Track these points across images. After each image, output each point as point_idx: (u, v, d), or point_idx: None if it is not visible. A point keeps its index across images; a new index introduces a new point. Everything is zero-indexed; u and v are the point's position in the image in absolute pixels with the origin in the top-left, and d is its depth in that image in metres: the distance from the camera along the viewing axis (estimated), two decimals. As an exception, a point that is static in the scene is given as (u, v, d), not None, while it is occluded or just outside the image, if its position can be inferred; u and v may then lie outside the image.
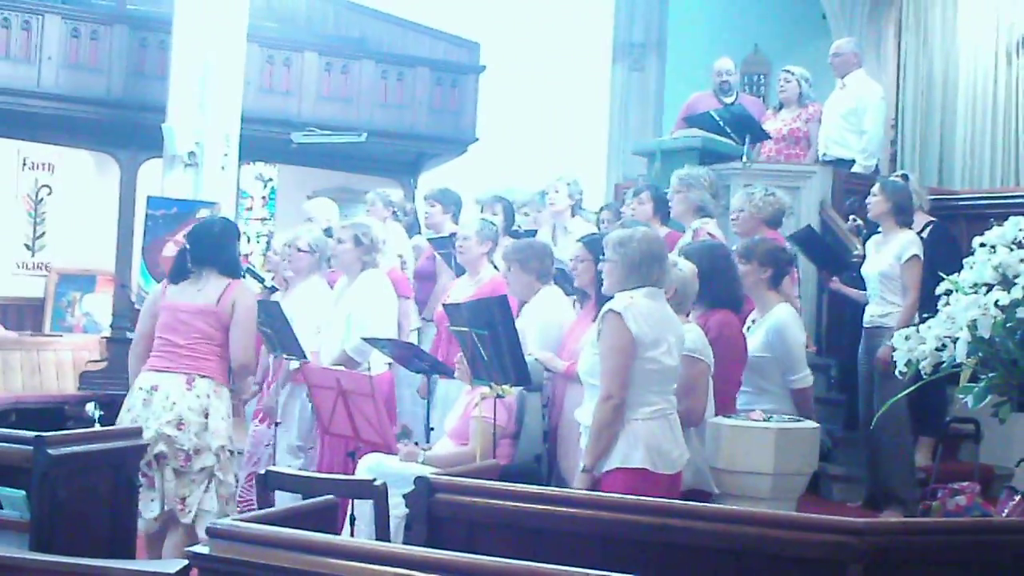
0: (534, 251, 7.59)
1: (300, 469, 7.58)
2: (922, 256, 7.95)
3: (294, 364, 7.95)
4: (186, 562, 3.86)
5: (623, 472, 5.44)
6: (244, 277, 7.21)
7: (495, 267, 8.21)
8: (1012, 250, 5.73)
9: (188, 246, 7.02)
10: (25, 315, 16.81)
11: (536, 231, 9.58)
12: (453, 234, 8.98)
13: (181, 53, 12.40)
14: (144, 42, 15.56)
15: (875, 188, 8.30)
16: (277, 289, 8.74)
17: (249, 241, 19.65)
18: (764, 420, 6.27)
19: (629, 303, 5.52)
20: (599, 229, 9.16)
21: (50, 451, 5.23)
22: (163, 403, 6.62)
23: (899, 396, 6.38)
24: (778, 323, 6.96)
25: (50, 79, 15.25)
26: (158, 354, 6.83)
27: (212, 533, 3.74)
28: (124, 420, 6.71)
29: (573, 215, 9.42)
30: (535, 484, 5.67)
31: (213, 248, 6.93)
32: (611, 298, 5.71)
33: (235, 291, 6.86)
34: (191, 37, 12.29)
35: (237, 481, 7.12)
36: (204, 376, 6.74)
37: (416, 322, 9.31)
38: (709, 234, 7.84)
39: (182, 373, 6.71)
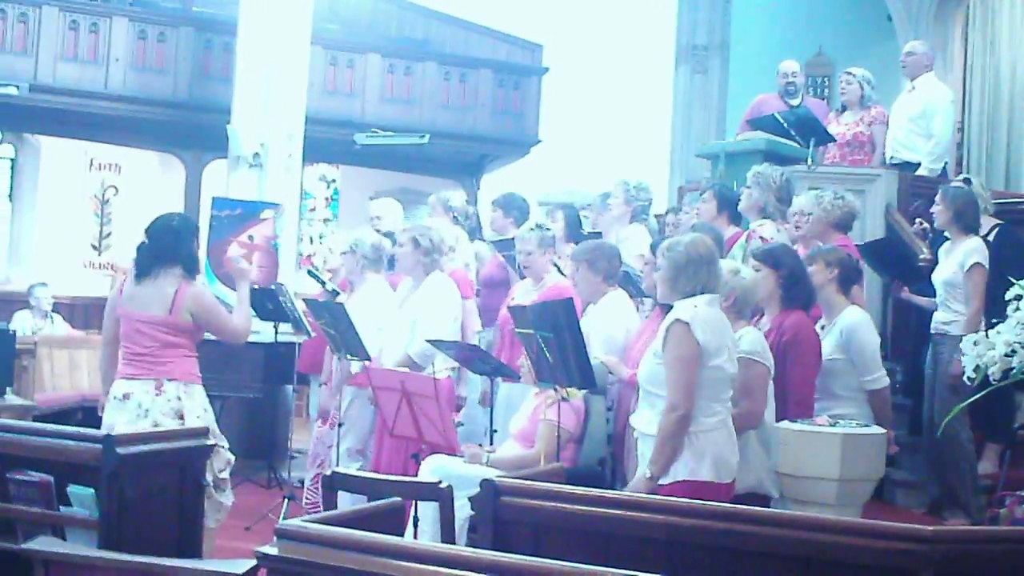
0: (603, 252, 7.58)
1: (359, 471, 7.61)
2: (986, 263, 7.87)
3: (356, 366, 7.98)
4: (255, 562, 3.88)
5: (689, 484, 5.39)
6: (198, 275, 7.04)
7: (559, 271, 8.20)
8: (1083, 254, 5.67)
9: (146, 242, 6.95)
10: (92, 314, 16.94)
11: (600, 233, 9.53)
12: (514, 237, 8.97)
13: (246, 55, 12.45)
14: (209, 44, 15.71)
15: (937, 196, 8.24)
16: (339, 292, 8.78)
17: (312, 242, 19.79)
18: (830, 425, 6.22)
19: (695, 312, 5.49)
20: (662, 232, 9.12)
21: (119, 450, 5.28)
22: (136, 411, 6.69)
23: (964, 404, 6.33)
24: (852, 324, 6.90)
25: (117, 81, 15.44)
26: (126, 361, 6.86)
27: (280, 534, 3.76)
28: (104, 426, 6.77)
29: (633, 220, 9.34)
30: (599, 487, 5.67)
31: (171, 245, 6.87)
32: (671, 305, 5.69)
33: (186, 298, 6.77)
34: (255, 39, 12.33)
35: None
36: (172, 379, 6.76)
37: (478, 325, 9.28)
38: (761, 237, 7.79)
39: (150, 379, 6.75)
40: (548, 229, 8.29)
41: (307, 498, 8.57)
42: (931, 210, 8.41)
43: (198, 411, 6.82)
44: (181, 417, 6.72)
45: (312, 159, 16.81)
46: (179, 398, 6.76)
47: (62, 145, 17.36)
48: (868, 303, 8.52)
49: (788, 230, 8.03)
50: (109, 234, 18.32)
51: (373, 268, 8.49)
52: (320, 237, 19.79)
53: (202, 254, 11.88)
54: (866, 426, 6.41)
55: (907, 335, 9.20)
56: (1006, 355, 5.73)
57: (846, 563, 3.98)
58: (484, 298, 9.46)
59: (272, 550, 3.76)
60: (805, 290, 6.77)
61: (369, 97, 16.91)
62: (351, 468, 7.85)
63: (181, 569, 4.20)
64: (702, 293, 5.59)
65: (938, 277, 8.17)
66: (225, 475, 6.86)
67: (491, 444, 7.39)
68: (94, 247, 18.42)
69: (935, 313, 8.20)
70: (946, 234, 8.34)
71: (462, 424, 8.43)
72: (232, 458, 6.96)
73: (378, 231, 9.10)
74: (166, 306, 6.73)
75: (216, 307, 6.93)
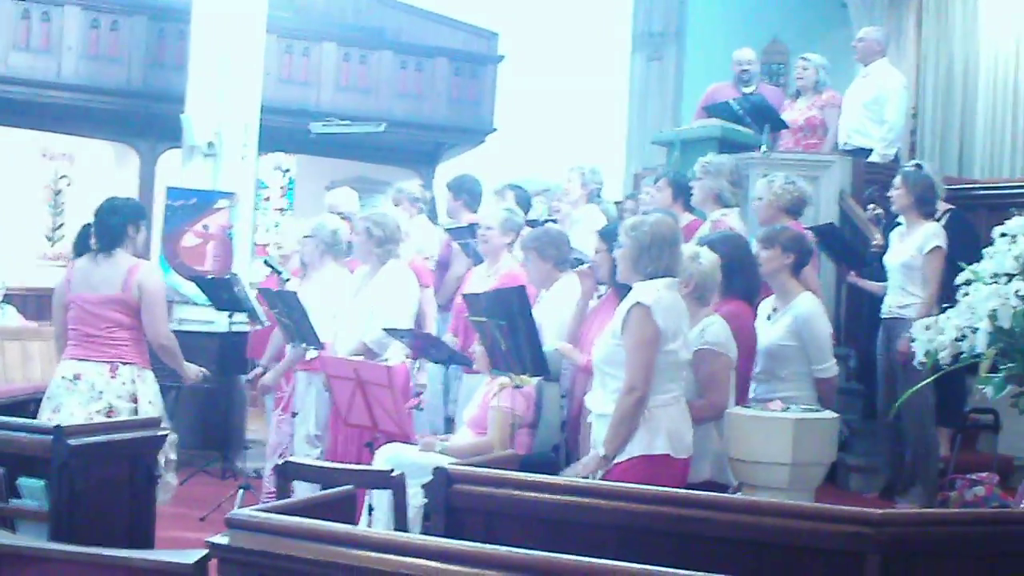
0: (551, 239, 7.59)
1: (317, 459, 7.61)
2: (945, 247, 7.92)
3: (312, 354, 7.98)
4: (205, 552, 3.87)
5: (645, 459, 5.44)
6: (117, 249, 7.04)
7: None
8: (1032, 240, 5.71)
9: (93, 224, 7.02)
10: (45, 305, 16.78)
11: (554, 220, 9.55)
12: (472, 224, 8.98)
13: (200, 43, 12.36)
14: (163, 32, 15.58)
15: (897, 180, 8.27)
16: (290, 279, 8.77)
17: (268, 231, 19.71)
18: (782, 410, 6.24)
19: (656, 296, 5.50)
20: (621, 218, 9.15)
21: (69, 441, 5.26)
22: (89, 392, 6.72)
23: (919, 385, 6.37)
24: (806, 312, 6.89)
25: (70, 70, 15.29)
26: (75, 343, 6.88)
27: (231, 524, 3.75)
28: (45, 409, 6.84)
29: (590, 203, 9.38)
30: (553, 474, 5.68)
31: (104, 220, 6.95)
32: (628, 288, 5.70)
33: (139, 273, 6.88)
34: (210, 27, 12.24)
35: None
36: (127, 363, 6.83)
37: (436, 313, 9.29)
38: (730, 227, 7.81)
39: (104, 362, 6.80)
40: (519, 215, 8.30)
41: (267, 488, 8.54)
42: (889, 194, 8.44)
43: (151, 396, 6.84)
44: (135, 401, 6.77)
45: (267, 148, 16.70)
46: (133, 381, 6.82)
47: (14, 135, 17.17)
48: (821, 288, 8.56)
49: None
50: (62, 224, 18.16)
51: (331, 254, 8.47)
52: (276, 226, 19.72)
53: (157, 243, 11.87)
54: (817, 410, 6.43)
55: (860, 321, 9.25)
56: (956, 340, 5.78)
57: (796, 546, 4.01)
58: (437, 279, 9.47)
59: (223, 540, 3.74)
60: (745, 280, 6.75)
61: (325, 86, 16.85)
62: (310, 455, 7.86)
63: (131, 560, 4.17)
64: (663, 276, 5.60)
65: (893, 261, 8.20)
66: (173, 456, 6.93)
67: (447, 432, 7.40)
68: (47, 238, 18.27)
69: (887, 297, 8.24)
70: (899, 219, 8.38)
71: (422, 410, 8.42)
72: (175, 438, 6.99)
73: (341, 216, 9.12)
74: (119, 284, 6.81)
75: (160, 296, 7.02)
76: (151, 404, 6.85)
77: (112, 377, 6.79)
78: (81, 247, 7.13)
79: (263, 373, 8.87)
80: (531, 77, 17.75)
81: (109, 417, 6.63)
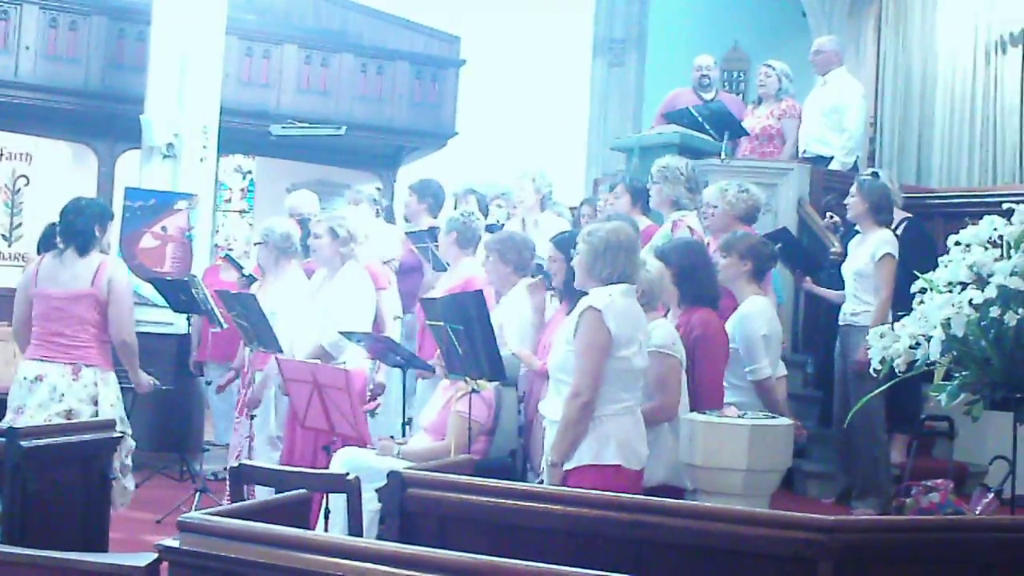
0: (514, 243, 7.59)
1: (277, 461, 7.60)
2: (896, 254, 7.97)
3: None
4: (156, 555, 3.84)
5: (594, 469, 5.43)
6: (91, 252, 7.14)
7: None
8: (986, 249, 5.75)
9: (59, 225, 7.08)
10: (2, 305, 16.73)
11: (503, 225, 9.57)
12: (431, 228, 8.97)
13: (159, 44, 12.33)
14: (122, 33, 15.51)
15: (853, 188, 8.32)
16: (255, 278, 8.74)
17: (220, 230, 19.65)
18: (738, 416, 6.26)
19: (609, 301, 5.51)
20: (580, 224, 9.15)
21: (22, 443, 5.21)
22: (50, 394, 6.74)
23: (873, 394, 6.41)
24: (744, 313, 6.95)
25: (28, 69, 15.20)
26: (39, 343, 6.91)
27: (183, 527, 3.73)
28: (8, 411, 6.83)
29: (543, 208, 9.39)
30: (510, 479, 5.69)
31: (70, 221, 7.00)
32: (584, 294, 5.71)
33: (108, 269, 6.98)
34: (170, 28, 12.21)
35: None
36: (90, 365, 6.86)
37: (399, 312, 9.26)
38: (689, 227, 7.82)
39: (67, 363, 6.83)
40: (476, 219, 8.30)
41: (224, 492, 8.50)
42: (845, 202, 8.49)
43: (112, 399, 6.85)
44: (96, 403, 6.79)
45: (228, 150, 16.70)
46: (95, 384, 6.86)
47: (-30, 135, 17.08)
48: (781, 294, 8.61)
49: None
50: (20, 224, 18.01)
51: (286, 257, 8.45)
52: (235, 229, 19.67)
53: (115, 244, 11.80)
54: (773, 417, 6.45)
55: (817, 328, 9.29)
56: (911, 347, 5.82)
57: (749, 552, 4.02)
58: (400, 283, 9.44)
59: (174, 543, 3.72)
60: (700, 287, 6.76)
61: (285, 88, 16.83)
62: (272, 457, 7.84)
63: (82, 563, 4.14)
64: (619, 281, 5.60)
65: (848, 269, 8.27)
66: (128, 461, 6.97)
67: (404, 436, 7.38)
68: (4, 238, 18.12)
69: (844, 305, 8.29)
70: (857, 227, 8.43)
71: (377, 412, 8.41)
72: (134, 444, 7.04)
73: (301, 221, 9.10)
74: (88, 279, 6.87)
75: (128, 292, 7.09)
76: (112, 407, 6.87)
77: (75, 379, 6.81)
78: (46, 245, 7.16)
79: (235, 377, 8.85)
80: (493, 81, 17.75)
81: (68, 420, 6.63)
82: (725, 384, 6.84)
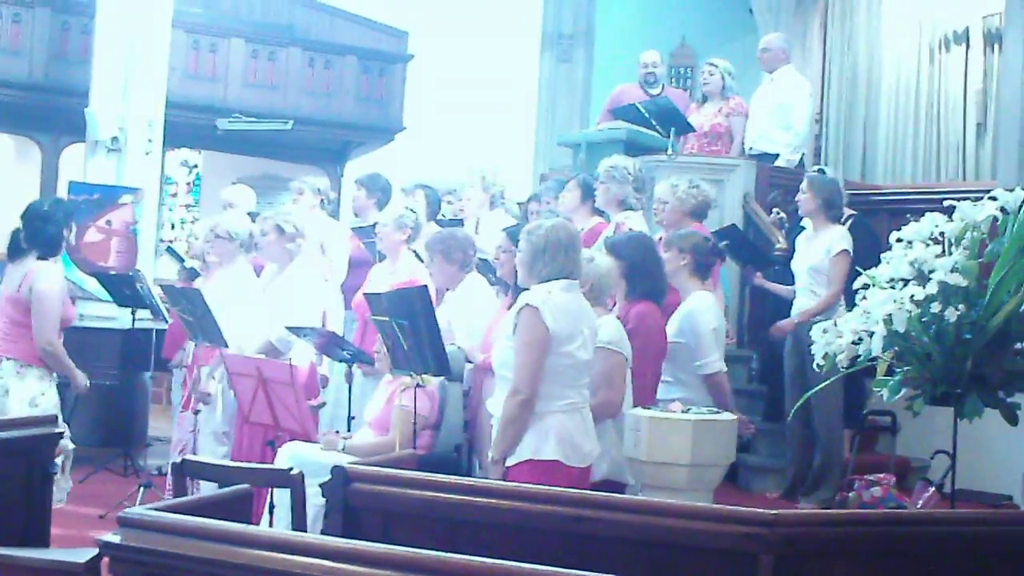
0: (457, 241, 7.61)
1: (224, 456, 7.56)
2: (851, 251, 8.02)
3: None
4: (96, 551, 3.82)
5: (532, 464, 5.43)
6: (56, 257, 7.38)
7: (418, 256, 8.21)
8: (928, 246, 5.81)
9: (23, 230, 7.23)
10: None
11: (461, 221, 9.56)
12: (376, 224, 8.96)
13: (104, 37, 12.23)
14: (67, 25, 15.33)
15: (803, 185, 8.36)
16: (199, 273, 8.68)
17: (174, 228, 19.54)
18: (683, 411, 6.29)
19: (547, 297, 5.51)
20: (527, 219, 9.16)
21: (-39, 439, 5.18)
22: None
23: (823, 385, 6.46)
24: (691, 309, 6.98)
25: (-31, 62, 15.04)
26: None
27: (123, 522, 3.70)
28: None
29: (493, 206, 9.40)
30: (455, 474, 5.67)
31: (37, 228, 7.18)
32: (526, 289, 5.71)
33: (32, 277, 7.09)
34: (114, 21, 12.11)
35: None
36: (10, 358, 7.09)
37: (341, 311, 9.23)
38: (630, 230, 7.84)
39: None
40: (413, 212, 8.30)
41: (168, 487, 8.44)
42: (796, 198, 8.52)
43: (27, 395, 7.07)
44: (6, 394, 7.03)
45: (174, 144, 16.60)
46: (10, 376, 7.10)
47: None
48: (726, 292, 8.64)
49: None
50: (-38, 218, 17.87)
51: (241, 251, 8.41)
52: (181, 223, 19.55)
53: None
54: (717, 412, 6.48)
55: (764, 323, 9.34)
56: (853, 343, 5.87)
57: (691, 547, 4.04)
58: (348, 278, 9.41)
59: (115, 538, 3.69)
60: (649, 281, 6.79)
61: (232, 82, 16.71)
62: (217, 452, 7.80)
63: (22, 559, 4.12)
64: (559, 278, 5.61)
65: (801, 265, 8.30)
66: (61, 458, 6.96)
67: (349, 431, 7.37)
68: (-54, 232, 17.97)
69: (796, 300, 8.33)
70: (803, 223, 8.48)
71: (324, 404, 8.38)
72: (70, 446, 7.09)
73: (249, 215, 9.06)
74: (16, 284, 7.06)
75: (50, 301, 7.12)
76: (23, 401, 7.03)
77: None
78: (15, 252, 7.29)
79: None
80: (440, 76, 17.72)
81: None
82: (671, 379, 6.87)
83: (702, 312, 6.98)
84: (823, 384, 6.41)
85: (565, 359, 5.50)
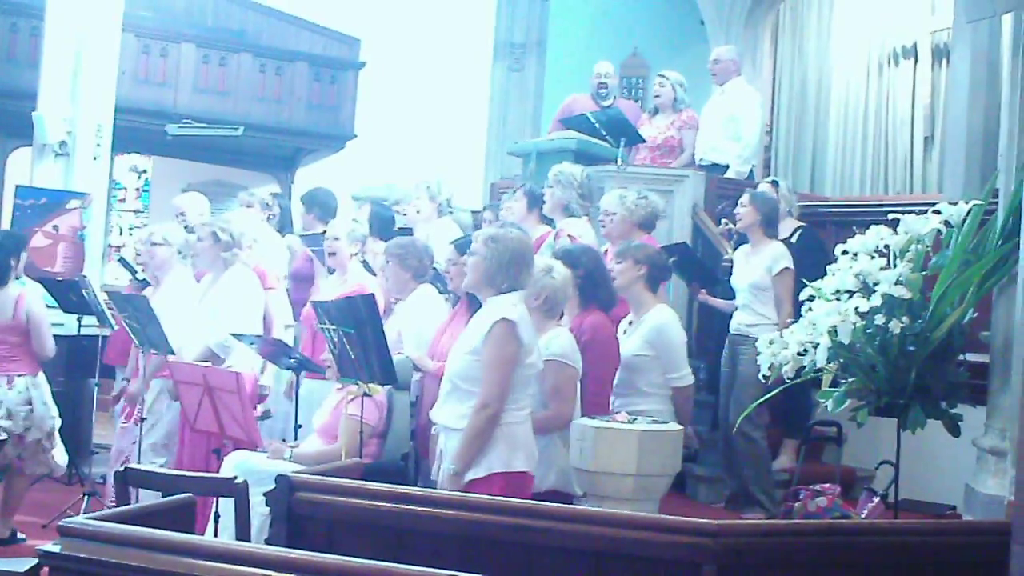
0: (415, 250, 7.59)
1: (163, 466, 7.50)
2: (792, 267, 8.05)
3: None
4: (36, 560, 3.78)
5: (504, 476, 5.39)
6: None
7: (367, 267, 8.20)
8: (873, 258, 5.86)
9: None
10: None
11: (411, 230, 9.54)
12: (324, 232, 8.92)
13: (53, 40, 12.15)
14: (15, 27, 15.27)
15: (744, 199, 8.38)
16: (149, 283, 8.63)
17: (122, 233, 19.42)
18: (628, 422, 6.29)
19: (520, 312, 5.49)
20: (478, 228, 9.15)
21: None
22: None
23: (759, 402, 6.49)
24: (660, 323, 6.95)
25: (-85, 64, 14.92)
26: None
27: (64, 532, 3.67)
28: None
29: (441, 215, 9.39)
30: (402, 483, 5.66)
31: (5, 264, 7.65)
32: (476, 297, 5.70)
33: (25, 302, 7.70)
34: (64, 24, 12.04)
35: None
36: (21, 375, 7.73)
37: (289, 319, 9.19)
38: (569, 236, 7.83)
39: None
40: (364, 227, 8.30)
41: (111, 496, 8.38)
42: (735, 211, 8.54)
43: (44, 397, 7.87)
44: (30, 404, 7.73)
45: (123, 149, 16.54)
46: (28, 389, 7.71)
47: None
48: (675, 303, 8.66)
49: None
50: (-94, 224, 17.70)
51: (178, 258, 8.38)
52: (130, 229, 19.43)
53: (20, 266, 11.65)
54: (663, 423, 6.49)
55: (711, 335, 9.37)
56: (799, 354, 5.91)
57: (635, 556, 4.06)
58: (293, 292, 9.37)
59: (55, 548, 3.66)
60: (603, 291, 6.81)
61: (182, 87, 16.68)
62: (155, 462, 7.75)
63: (-39, 567, 4.08)
64: (511, 291, 5.60)
65: (742, 281, 8.31)
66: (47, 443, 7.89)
67: (295, 439, 7.33)
68: None
69: (736, 314, 8.35)
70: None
71: (269, 415, 8.35)
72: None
73: (185, 226, 8.97)
74: (10, 313, 7.60)
75: (45, 318, 7.85)
76: (45, 404, 7.85)
77: (9, 389, 7.60)
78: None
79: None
80: (392, 84, 17.72)
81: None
82: (631, 391, 6.87)
83: (671, 325, 7.00)
84: (761, 400, 6.43)
85: (528, 370, 5.52)
